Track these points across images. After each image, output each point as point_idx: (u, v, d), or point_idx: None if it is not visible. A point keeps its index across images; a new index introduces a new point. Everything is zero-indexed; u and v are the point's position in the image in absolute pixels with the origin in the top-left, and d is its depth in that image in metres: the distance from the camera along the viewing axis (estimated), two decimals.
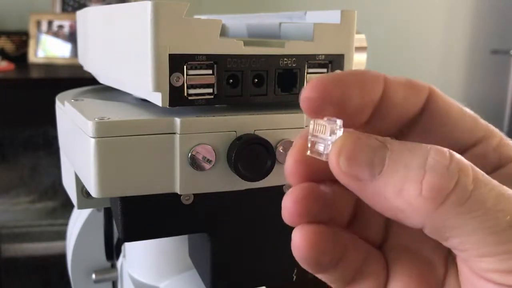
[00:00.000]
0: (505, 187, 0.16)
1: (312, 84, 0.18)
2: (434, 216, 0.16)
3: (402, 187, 0.16)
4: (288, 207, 0.18)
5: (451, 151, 0.16)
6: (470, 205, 0.15)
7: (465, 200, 0.15)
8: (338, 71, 0.18)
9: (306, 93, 0.17)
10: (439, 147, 0.16)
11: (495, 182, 0.16)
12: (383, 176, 0.16)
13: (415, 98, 0.19)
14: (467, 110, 0.20)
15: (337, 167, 0.17)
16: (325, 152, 0.17)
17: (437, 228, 0.16)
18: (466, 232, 0.16)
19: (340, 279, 0.19)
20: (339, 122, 0.17)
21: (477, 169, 0.16)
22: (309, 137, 0.18)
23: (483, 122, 0.20)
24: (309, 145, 0.18)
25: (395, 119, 0.19)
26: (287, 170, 0.19)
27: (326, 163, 0.17)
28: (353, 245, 0.19)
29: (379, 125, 0.19)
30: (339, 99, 0.17)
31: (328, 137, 0.17)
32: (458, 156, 0.16)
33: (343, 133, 0.17)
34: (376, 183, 0.16)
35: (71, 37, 1.38)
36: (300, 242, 0.18)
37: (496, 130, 0.20)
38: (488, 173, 0.17)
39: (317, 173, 0.18)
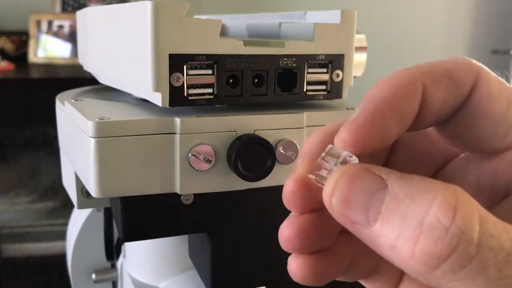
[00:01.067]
0: None
1: (347, 131, 0.16)
2: (426, 277, 0.14)
3: (395, 243, 0.14)
4: (283, 240, 0.17)
5: (460, 199, 0.14)
6: (467, 273, 0.13)
7: (462, 268, 0.13)
8: (372, 98, 0.16)
9: (342, 135, 0.16)
10: (447, 193, 0.14)
11: (508, 234, 0.14)
12: (377, 224, 0.14)
13: (456, 93, 0.17)
14: None
15: (330, 207, 0.15)
16: (323, 181, 0.16)
17: (432, 286, 0.15)
18: None
19: (350, 279, 0.19)
20: (344, 153, 0.16)
21: (490, 220, 0.14)
22: (319, 158, 0.16)
23: None
24: (315, 166, 0.16)
25: (430, 122, 0.17)
26: (285, 198, 0.17)
27: None
28: (365, 251, 0.18)
29: (411, 128, 0.17)
30: (379, 144, 0.16)
31: (333, 166, 0.16)
32: (465, 210, 0.14)
33: (339, 167, 0.16)
34: (370, 232, 0.15)
35: (71, 37, 1.38)
36: (294, 271, 0.17)
37: None
38: None
39: (317, 199, 0.16)
